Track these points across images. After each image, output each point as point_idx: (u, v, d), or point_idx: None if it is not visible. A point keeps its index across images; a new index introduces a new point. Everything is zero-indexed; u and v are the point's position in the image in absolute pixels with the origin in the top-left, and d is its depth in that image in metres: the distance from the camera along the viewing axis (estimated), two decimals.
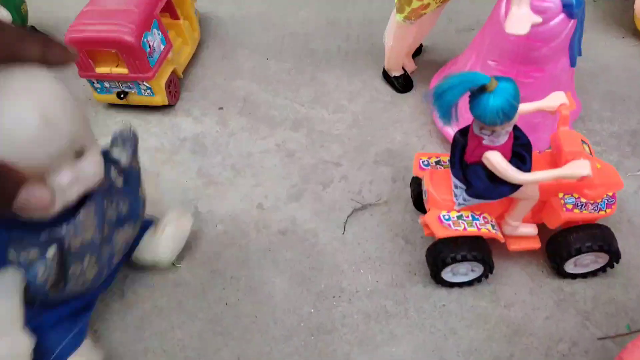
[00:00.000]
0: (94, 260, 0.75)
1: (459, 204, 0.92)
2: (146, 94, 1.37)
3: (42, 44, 0.56)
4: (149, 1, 1.34)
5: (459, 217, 0.92)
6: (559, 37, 1.04)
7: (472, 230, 0.90)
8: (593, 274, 0.99)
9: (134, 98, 1.39)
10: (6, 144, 0.53)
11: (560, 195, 0.94)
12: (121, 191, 0.79)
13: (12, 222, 0.64)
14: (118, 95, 1.37)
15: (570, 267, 0.97)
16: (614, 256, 0.94)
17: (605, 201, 0.94)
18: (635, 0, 1.46)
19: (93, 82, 1.36)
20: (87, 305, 0.87)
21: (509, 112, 0.75)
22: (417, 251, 1.07)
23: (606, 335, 0.92)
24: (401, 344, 0.94)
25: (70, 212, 0.68)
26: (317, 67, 1.53)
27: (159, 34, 1.35)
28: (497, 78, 0.75)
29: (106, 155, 0.76)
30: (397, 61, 1.39)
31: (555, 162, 0.90)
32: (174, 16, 1.51)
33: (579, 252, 0.92)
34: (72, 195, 0.64)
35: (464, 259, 0.92)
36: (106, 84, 1.37)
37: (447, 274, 0.97)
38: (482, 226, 0.91)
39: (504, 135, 0.81)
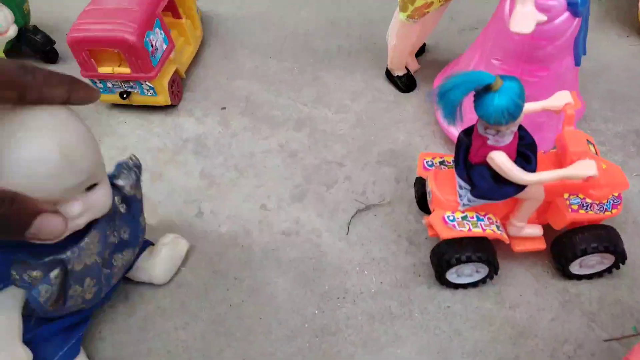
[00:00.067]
0: (93, 283, 0.78)
1: (464, 205, 0.91)
2: (149, 94, 1.37)
3: (69, 87, 0.58)
4: (151, 0, 1.34)
5: (464, 218, 0.91)
6: (564, 35, 1.03)
7: (476, 231, 0.90)
8: (599, 275, 0.98)
9: (137, 98, 1.39)
10: (25, 177, 0.56)
11: (566, 195, 0.93)
12: (123, 218, 0.83)
13: (17, 245, 0.67)
14: (121, 95, 1.37)
15: (575, 268, 0.96)
16: (620, 257, 0.93)
17: (611, 202, 0.93)
18: None
19: (95, 82, 1.36)
20: (81, 321, 0.89)
21: (514, 111, 0.75)
22: (421, 252, 1.06)
23: (612, 337, 0.92)
24: (405, 345, 0.94)
25: (74, 237, 0.71)
26: (319, 66, 1.53)
27: (161, 34, 1.35)
28: (502, 77, 0.74)
29: (110, 183, 0.79)
30: (400, 60, 1.38)
31: (561, 162, 0.89)
32: (176, 15, 1.50)
33: (585, 253, 0.91)
34: (80, 223, 0.67)
35: (468, 260, 0.92)
36: (109, 84, 1.36)
37: (451, 275, 0.97)
38: (486, 227, 0.91)
39: (508, 135, 0.80)
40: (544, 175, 0.82)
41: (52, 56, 1.60)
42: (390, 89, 1.44)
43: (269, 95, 1.45)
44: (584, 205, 0.93)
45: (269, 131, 1.35)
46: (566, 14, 1.01)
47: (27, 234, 0.53)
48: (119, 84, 1.36)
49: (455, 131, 1.18)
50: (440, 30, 1.45)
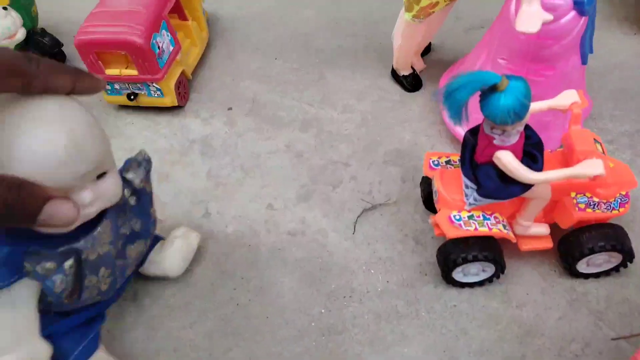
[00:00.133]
0: (108, 273, 0.78)
1: (470, 204, 0.91)
2: (156, 95, 1.38)
3: (74, 77, 0.59)
4: (158, 2, 1.34)
5: (470, 217, 0.91)
6: (570, 34, 1.03)
7: (483, 230, 0.90)
8: (606, 273, 0.98)
9: (144, 99, 1.39)
10: (35, 165, 0.57)
11: (573, 194, 0.93)
12: (134, 210, 0.84)
13: (29, 236, 0.67)
14: (128, 96, 1.38)
15: (582, 266, 0.96)
16: (628, 256, 0.93)
17: (619, 200, 0.93)
18: None
19: None
20: (98, 315, 0.88)
21: (520, 111, 0.75)
22: (427, 251, 1.06)
23: (620, 335, 0.91)
24: (412, 345, 0.94)
25: (86, 227, 0.71)
26: (325, 66, 1.53)
27: (167, 35, 1.36)
28: (508, 77, 0.74)
29: (122, 178, 0.80)
30: (406, 60, 1.39)
31: (567, 161, 0.89)
32: (183, 17, 1.51)
33: (592, 251, 0.91)
34: (91, 212, 0.68)
35: (475, 259, 0.92)
36: (116, 86, 1.38)
37: (457, 274, 0.97)
38: (493, 226, 0.91)
39: (515, 135, 0.80)
40: (551, 175, 0.82)
41: (59, 58, 1.61)
42: (395, 88, 1.44)
43: (274, 96, 1.46)
44: (591, 204, 0.92)
45: (275, 132, 1.36)
46: (572, 13, 1.00)
47: (38, 220, 0.53)
48: (127, 85, 1.37)
49: (461, 131, 1.18)
50: (446, 29, 1.44)
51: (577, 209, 0.92)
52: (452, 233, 0.90)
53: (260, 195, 1.21)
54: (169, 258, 1.00)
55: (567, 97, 0.90)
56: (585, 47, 1.09)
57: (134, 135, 1.39)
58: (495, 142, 0.81)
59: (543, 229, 0.97)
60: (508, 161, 0.81)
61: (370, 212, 1.15)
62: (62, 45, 1.60)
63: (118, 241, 0.80)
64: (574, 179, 0.84)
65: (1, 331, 0.70)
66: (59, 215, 0.55)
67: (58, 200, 0.55)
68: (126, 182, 0.82)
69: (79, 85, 0.60)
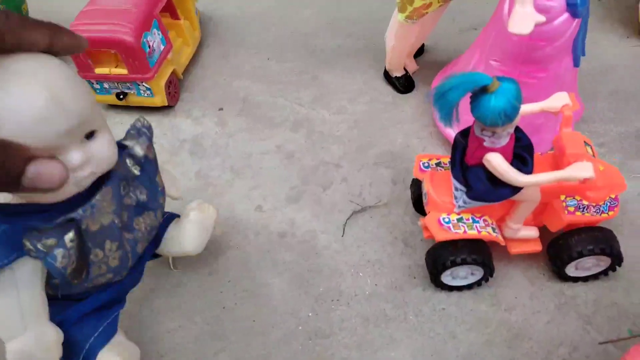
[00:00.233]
0: (115, 246, 0.74)
1: (459, 207, 0.90)
2: (145, 94, 1.37)
3: (50, 32, 0.55)
4: (149, 1, 1.33)
5: (459, 220, 0.91)
6: (563, 36, 1.02)
7: (472, 233, 0.89)
8: (595, 277, 0.97)
9: (134, 99, 1.38)
10: (13, 123, 0.53)
11: (562, 197, 0.93)
12: (138, 179, 0.79)
13: (27, 211, 0.64)
14: (117, 96, 1.37)
15: (571, 270, 0.95)
16: (616, 259, 0.92)
17: (608, 203, 0.93)
18: None
19: (92, 83, 1.36)
20: (115, 299, 0.84)
21: (510, 113, 0.74)
22: (416, 254, 1.06)
23: (607, 339, 0.91)
24: (400, 348, 0.93)
25: (85, 197, 0.67)
26: (318, 67, 1.52)
27: (159, 34, 1.35)
28: (499, 78, 0.73)
29: (121, 145, 0.76)
30: (399, 61, 1.38)
31: (558, 164, 0.89)
32: (174, 16, 1.50)
33: (581, 255, 0.90)
34: (84, 176, 0.64)
35: (463, 262, 0.91)
36: (105, 85, 1.36)
37: (446, 278, 0.96)
38: (482, 229, 0.90)
39: (505, 137, 0.80)
40: (540, 177, 0.81)
41: None
42: (388, 89, 1.43)
43: (267, 96, 1.45)
44: (581, 207, 0.92)
45: (266, 132, 1.35)
46: (565, 15, 1.00)
47: (23, 182, 0.50)
48: (116, 84, 1.36)
49: (452, 132, 1.17)
50: (439, 30, 1.44)
51: (566, 212, 0.91)
52: (441, 236, 0.90)
53: (249, 197, 1.20)
54: (186, 233, 0.94)
55: (559, 100, 0.90)
56: (577, 50, 1.09)
57: (123, 135, 1.37)
58: (485, 144, 0.81)
59: (532, 232, 0.96)
60: (498, 163, 0.80)
61: (360, 214, 1.14)
62: None
63: (123, 212, 0.75)
64: (563, 181, 0.83)
65: (6, 316, 0.66)
66: (46, 175, 0.52)
67: (42, 159, 0.52)
68: (127, 152, 0.78)
69: (56, 41, 0.55)
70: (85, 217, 0.66)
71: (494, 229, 0.92)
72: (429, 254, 0.97)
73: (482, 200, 0.88)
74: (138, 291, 1.02)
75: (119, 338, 0.82)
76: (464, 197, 0.88)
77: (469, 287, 0.99)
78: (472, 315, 0.96)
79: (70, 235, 0.65)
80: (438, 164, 1.01)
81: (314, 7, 1.74)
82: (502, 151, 0.81)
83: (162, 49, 1.36)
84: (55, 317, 0.73)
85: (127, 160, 0.77)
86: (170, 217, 0.96)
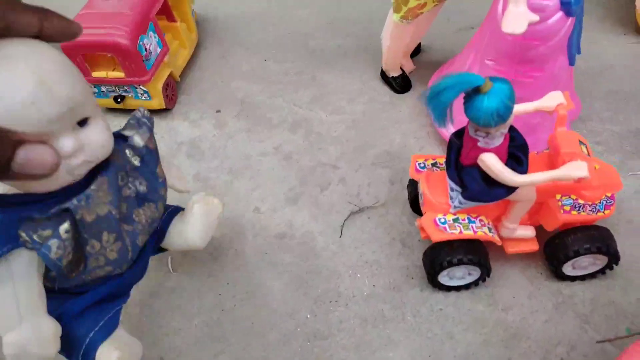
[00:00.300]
0: (113, 238, 0.72)
1: (455, 207, 0.91)
2: (143, 97, 1.37)
3: (40, 15, 0.53)
4: (145, 4, 1.34)
5: (455, 220, 0.91)
6: (557, 35, 1.02)
7: (468, 234, 0.89)
8: (592, 276, 0.97)
9: (131, 102, 1.39)
10: (1, 107, 0.53)
11: (558, 196, 0.93)
12: (138, 169, 0.77)
13: (21, 202, 0.64)
14: (115, 99, 1.37)
15: (568, 269, 0.96)
16: (613, 258, 0.92)
17: (604, 202, 0.93)
18: None
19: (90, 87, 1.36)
20: (116, 293, 0.83)
21: (503, 113, 0.74)
22: (414, 254, 1.06)
23: (605, 338, 0.91)
24: (398, 349, 0.94)
25: (81, 188, 0.66)
26: (316, 67, 1.52)
27: (155, 37, 1.35)
28: (492, 79, 0.73)
29: (120, 136, 0.75)
30: (395, 61, 1.38)
31: (553, 163, 0.89)
32: (171, 19, 1.51)
33: (577, 254, 0.90)
34: (77, 164, 0.62)
35: (460, 263, 0.91)
36: (103, 88, 1.37)
37: (443, 278, 0.96)
38: (478, 229, 0.90)
39: (499, 137, 0.80)
40: (535, 177, 0.81)
41: None
42: (385, 89, 1.43)
43: (264, 97, 1.45)
44: (576, 206, 0.92)
45: (264, 133, 1.35)
46: (559, 14, 1.00)
47: (13, 167, 0.49)
48: (113, 88, 1.36)
49: (449, 132, 1.17)
50: (436, 30, 1.44)
51: (562, 211, 0.92)
52: (436, 236, 0.90)
53: (248, 198, 1.20)
54: (190, 227, 0.91)
55: (553, 99, 0.89)
56: (572, 48, 1.09)
57: None
58: (479, 144, 0.81)
59: (528, 232, 0.96)
60: (492, 164, 0.80)
61: (358, 215, 1.15)
62: None
63: (122, 203, 0.74)
64: (558, 181, 0.83)
65: (1, 308, 0.65)
66: (36, 161, 0.51)
67: (33, 144, 0.50)
68: (127, 142, 0.76)
69: (47, 25, 0.54)
70: (80, 207, 0.65)
71: (490, 229, 0.92)
72: (426, 254, 0.97)
73: (477, 201, 0.88)
74: (138, 293, 1.04)
75: (120, 332, 0.80)
76: (460, 197, 0.89)
77: (467, 287, 0.99)
78: (470, 316, 0.96)
79: (65, 225, 0.64)
80: (434, 165, 1.02)
81: (312, 8, 1.74)
82: (496, 151, 0.81)
83: (158, 52, 1.37)
84: (55, 310, 0.72)
85: (127, 151, 0.76)
86: (175, 210, 0.95)
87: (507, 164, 0.82)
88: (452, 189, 0.90)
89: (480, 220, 0.92)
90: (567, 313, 0.95)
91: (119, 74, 1.32)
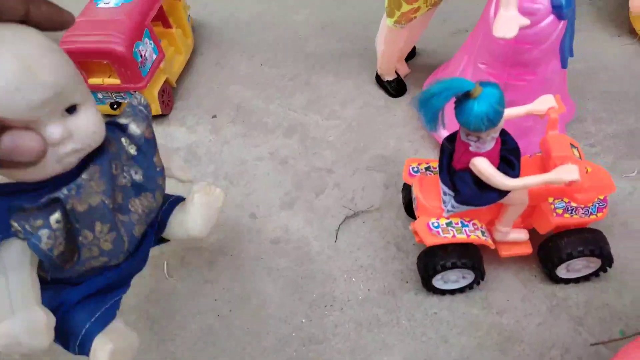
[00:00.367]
0: (107, 229, 0.70)
1: (448, 211, 0.91)
2: None
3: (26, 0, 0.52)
4: (140, 11, 1.34)
5: (448, 224, 0.91)
6: (549, 38, 1.03)
7: (461, 237, 0.90)
8: (586, 278, 0.98)
9: None
10: None
11: (550, 200, 0.93)
12: (134, 158, 0.75)
13: (11, 191, 0.63)
14: (111, 105, 1.38)
15: (562, 272, 0.96)
16: (606, 260, 0.92)
17: (597, 205, 0.93)
18: None
19: None
20: (114, 284, 0.81)
21: (493, 118, 0.74)
22: (409, 258, 1.06)
23: (599, 340, 0.91)
24: (392, 353, 0.94)
25: (72, 177, 0.64)
26: (311, 71, 1.53)
27: (150, 44, 1.36)
28: (482, 84, 0.74)
29: (116, 124, 0.74)
30: (389, 65, 1.38)
31: (545, 166, 0.89)
32: (166, 25, 1.51)
33: (571, 257, 0.91)
34: (66, 152, 0.60)
35: (454, 266, 0.91)
36: (99, 95, 1.37)
37: (438, 282, 0.96)
38: (471, 233, 0.91)
39: (490, 141, 0.80)
40: (526, 181, 0.81)
41: None
42: (380, 93, 1.44)
43: (260, 102, 1.46)
44: (569, 209, 0.92)
45: (260, 138, 1.36)
46: (551, 17, 1.00)
47: None
48: (110, 94, 1.37)
49: (444, 136, 1.18)
50: (430, 33, 1.44)
51: (554, 214, 0.92)
52: (430, 240, 0.90)
53: (244, 203, 1.21)
54: (191, 217, 0.89)
55: (544, 102, 0.90)
56: (565, 51, 1.09)
57: None
58: (471, 148, 0.81)
59: (522, 235, 0.97)
60: (484, 168, 0.81)
61: (353, 219, 1.15)
62: None
63: (117, 192, 0.72)
64: (550, 184, 0.83)
65: None
66: (22, 147, 0.50)
67: (18, 130, 0.50)
68: (123, 130, 0.74)
69: (33, 10, 0.52)
70: (70, 197, 0.63)
71: (483, 233, 0.92)
72: (420, 258, 0.97)
73: (470, 205, 0.88)
74: (134, 299, 1.04)
75: (116, 324, 0.78)
76: (452, 201, 0.89)
77: (461, 290, 0.99)
78: (464, 319, 0.96)
79: (56, 215, 0.63)
80: (427, 168, 1.02)
81: (306, 12, 1.75)
82: (488, 155, 0.81)
83: (154, 58, 1.37)
84: (53, 300, 0.71)
85: (123, 140, 0.74)
86: (177, 200, 0.93)
87: (499, 167, 0.82)
88: (444, 193, 0.91)
89: (474, 224, 0.92)
90: (561, 316, 0.95)
91: (115, 81, 1.33)
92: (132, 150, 0.74)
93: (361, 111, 1.40)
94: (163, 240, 0.94)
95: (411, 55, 1.50)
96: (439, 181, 0.91)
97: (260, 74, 1.55)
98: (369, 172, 1.24)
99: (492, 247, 0.94)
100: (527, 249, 0.97)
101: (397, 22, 1.21)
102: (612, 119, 1.28)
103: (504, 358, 0.91)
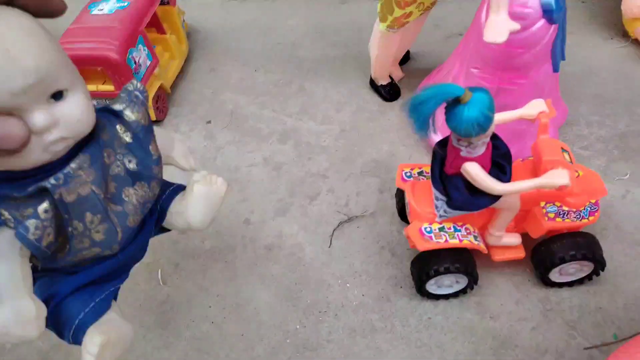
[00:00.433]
0: (98, 219, 0.68)
1: (440, 216, 0.91)
2: None
3: None
4: (134, 18, 1.35)
5: (441, 229, 0.91)
6: (540, 43, 1.03)
7: (453, 242, 0.90)
8: (579, 282, 0.98)
9: None
10: None
11: (542, 204, 0.93)
12: (129, 146, 0.72)
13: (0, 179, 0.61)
14: None
15: (555, 276, 0.96)
16: (599, 264, 0.92)
17: (588, 209, 0.93)
18: (622, 0, 1.45)
19: None
20: (110, 274, 0.78)
21: (483, 123, 0.74)
22: (403, 263, 1.06)
23: (593, 344, 0.91)
24: (387, 359, 0.94)
25: (62, 166, 0.62)
26: (305, 77, 1.53)
27: (144, 50, 1.36)
28: (472, 89, 0.74)
29: (111, 110, 0.71)
30: (383, 70, 1.39)
31: (536, 170, 0.89)
32: (161, 31, 1.51)
33: (563, 261, 0.91)
34: (51, 140, 0.58)
35: (447, 271, 0.91)
36: (93, 102, 1.37)
37: (431, 287, 0.96)
38: (464, 237, 0.91)
39: (480, 147, 0.80)
40: (517, 186, 0.82)
41: None
42: (374, 98, 1.44)
43: (254, 108, 1.46)
44: (561, 213, 0.92)
45: (254, 144, 1.36)
46: (542, 22, 1.00)
47: None
48: (104, 101, 1.36)
49: (437, 140, 1.18)
50: (424, 37, 1.45)
51: (546, 218, 0.92)
52: (422, 245, 0.90)
53: (238, 210, 1.21)
54: (190, 208, 0.84)
55: (535, 107, 0.90)
56: (556, 55, 1.09)
57: None
58: (462, 153, 0.81)
59: (514, 239, 0.97)
60: (475, 173, 0.81)
61: (347, 225, 1.15)
62: None
63: (110, 182, 0.69)
64: (542, 188, 0.84)
65: None
66: (3, 134, 0.49)
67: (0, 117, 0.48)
68: (117, 117, 0.71)
69: None
70: (58, 187, 0.61)
71: (475, 237, 0.93)
72: (414, 263, 0.97)
73: (462, 210, 0.88)
74: (127, 307, 1.04)
75: (110, 316, 0.76)
76: (445, 206, 0.89)
77: (455, 295, 0.99)
78: (458, 324, 0.96)
79: (44, 205, 0.61)
80: (420, 173, 1.02)
81: (299, 17, 1.75)
82: (479, 160, 0.81)
83: (148, 65, 1.37)
84: (47, 289, 0.70)
85: (118, 127, 0.71)
86: (178, 189, 0.89)
87: (490, 172, 0.82)
88: (437, 198, 0.91)
89: (466, 229, 0.92)
90: (554, 320, 0.95)
91: (109, 88, 1.33)
92: (127, 137, 0.72)
93: (355, 116, 1.40)
94: (164, 230, 0.90)
95: (405, 59, 1.51)
96: (431, 186, 0.92)
97: (254, 79, 1.55)
98: (363, 177, 1.24)
99: (485, 251, 0.94)
100: (520, 253, 0.97)
101: (389, 26, 1.22)
102: (604, 122, 1.28)
103: None
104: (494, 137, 0.85)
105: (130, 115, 0.71)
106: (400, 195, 1.09)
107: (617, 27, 1.52)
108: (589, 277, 0.97)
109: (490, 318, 0.96)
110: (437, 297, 0.99)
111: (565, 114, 1.26)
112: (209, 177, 0.87)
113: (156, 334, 1.01)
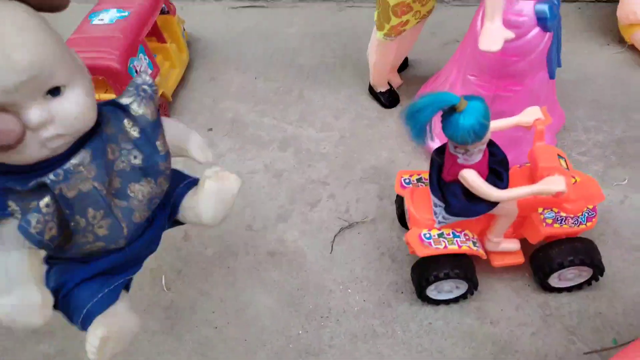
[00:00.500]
0: (100, 215, 0.67)
1: (439, 222, 0.92)
2: None
3: None
4: (134, 27, 1.36)
5: (440, 235, 0.92)
6: (536, 50, 1.04)
7: (452, 248, 0.91)
8: (578, 287, 0.98)
9: None
10: None
11: (540, 210, 0.94)
12: (135, 142, 0.71)
13: (3, 171, 0.62)
14: None
15: (554, 281, 0.97)
16: (597, 270, 0.93)
17: (586, 214, 0.94)
18: (618, 7, 1.46)
19: None
20: (119, 267, 0.78)
21: (479, 131, 0.76)
22: (403, 269, 1.07)
23: (592, 349, 0.92)
24: None
25: (64, 161, 0.62)
26: (304, 84, 1.54)
27: (145, 59, 1.37)
28: (467, 97, 0.75)
29: (118, 104, 0.70)
30: (382, 77, 1.40)
31: (533, 177, 0.90)
32: (161, 40, 1.53)
33: (561, 266, 0.92)
34: (47, 136, 0.58)
35: (446, 277, 0.92)
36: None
37: (432, 292, 0.97)
38: (463, 243, 0.92)
39: (477, 154, 0.81)
40: (514, 192, 0.83)
41: None
42: (373, 105, 1.45)
43: (254, 116, 1.47)
44: (559, 219, 0.93)
45: (255, 152, 1.37)
46: (536, 30, 1.02)
47: None
48: None
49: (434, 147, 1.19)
50: (422, 45, 1.46)
51: (544, 224, 0.93)
52: (422, 251, 0.91)
53: (240, 217, 1.22)
54: (201, 204, 0.83)
55: (531, 114, 0.91)
56: (552, 62, 1.10)
57: None
58: (459, 161, 0.82)
59: (513, 245, 0.98)
60: (472, 180, 0.82)
61: (348, 231, 1.16)
62: None
63: (114, 177, 0.69)
64: (538, 195, 0.85)
65: None
66: None
67: None
68: (125, 111, 0.70)
69: None
70: (58, 183, 0.62)
71: (474, 243, 0.94)
72: (414, 269, 0.98)
73: (460, 216, 0.89)
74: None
75: (116, 308, 0.75)
76: (443, 213, 0.90)
77: (455, 300, 1.00)
78: (459, 330, 0.97)
79: (45, 200, 0.61)
80: (419, 180, 1.03)
81: (299, 25, 1.77)
82: (476, 167, 0.82)
83: (149, 73, 1.38)
84: (59, 277, 0.71)
85: (126, 121, 0.70)
86: (192, 182, 0.87)
87: (488, 179, 0.84)
88: (435, 205, 0.92)
89: (465, 235, 0.93)
90: (554, 325, 0.96)
91: (111, 96, 1.34)
92: (135, 132, 0.70)
93: (354, 123, 1.41)
94: (178, 223, 0.89)
95: (404, 66, 1.52)
96: (430, 193, 0.93)
97: (254, 87, 1.56)
98: (363, 184, 1.25)
99: (484, 257, 0.95)
100: (519, 259, 0.98)
101: (387, 34, 1.23)
102: (601, 128, 1.29)
103: None
104: (491, 144, 0.86)
105: (137, 109, 0.70)
106: (400, 201, 1.10)
107: (613, 34, 1.54)
108: (588, 283, 0.98)
109: (490, 323, 0.97)
110: (438, 302, 1.00)
111: (562, 120, 1.27)
112: (220, 173, 0.85)
113: (160, 338, 1.02)
